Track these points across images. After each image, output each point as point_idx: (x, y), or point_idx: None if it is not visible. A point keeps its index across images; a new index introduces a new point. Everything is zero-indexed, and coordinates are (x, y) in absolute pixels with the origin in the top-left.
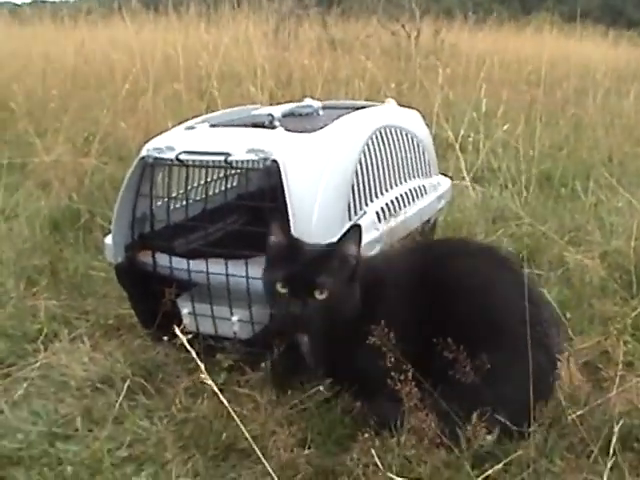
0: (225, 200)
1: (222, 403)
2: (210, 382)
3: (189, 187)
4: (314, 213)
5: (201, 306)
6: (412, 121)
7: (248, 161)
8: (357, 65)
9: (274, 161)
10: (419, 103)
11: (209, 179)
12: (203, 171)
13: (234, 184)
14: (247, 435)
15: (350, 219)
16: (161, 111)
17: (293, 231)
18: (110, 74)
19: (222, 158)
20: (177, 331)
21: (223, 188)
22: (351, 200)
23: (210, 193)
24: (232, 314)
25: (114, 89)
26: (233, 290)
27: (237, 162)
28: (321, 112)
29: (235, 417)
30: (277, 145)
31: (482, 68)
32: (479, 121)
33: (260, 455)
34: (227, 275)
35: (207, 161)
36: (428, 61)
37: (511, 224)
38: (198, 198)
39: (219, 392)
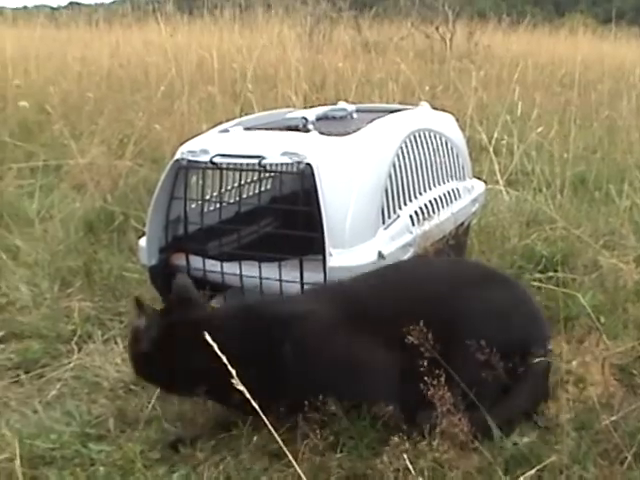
0: (259, 203)
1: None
2: (242, 387)
3: (223, 190)
4: (348, 216)
5: None
6: (446, 124)
7: (282, 164)
8: (391, 68)
9: (308, 164)
10: (452, 106)
11: (243, 182)
12: (237, 174)
13: (268, 187)
14: (278, 438)
15: (384, 222)
16: (195, 114)
17: (326, 234)
18: (145, 77)
19: (256, 161)
20: (207, 337)
21: (257, 191)
22: (385, 203)
23: (244, 196)
24: None
25: (149, 92)
26: (266, 293)
27: (271, 165)
28: (355, 115)
29: (265, 420)
30: (311, 148)
31: (516, 70)
32: (513, 124)
33: (291, 459)
34: (260, 278)
35: (241, 164)
36: (462, 64)
37: (545, 228)
38: (232, 201)
39: (249, 396)
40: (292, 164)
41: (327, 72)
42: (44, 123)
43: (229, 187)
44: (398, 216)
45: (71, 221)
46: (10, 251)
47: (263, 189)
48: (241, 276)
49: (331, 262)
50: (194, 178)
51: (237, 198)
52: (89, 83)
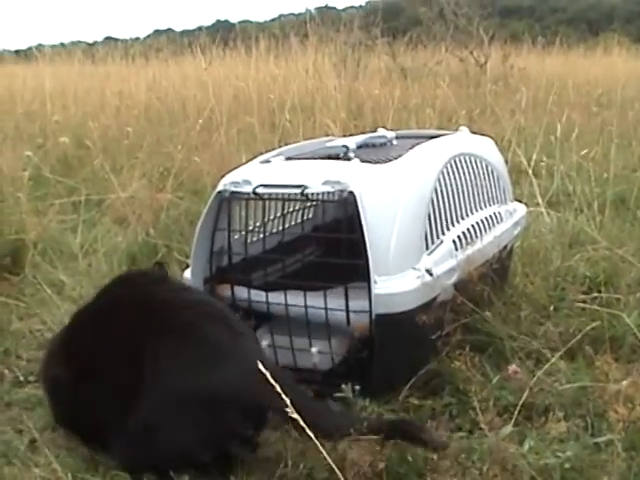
0: (302, 232)
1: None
2: (295, 415)
3: (266, 220)
4: (391, 243)
5: (280, 338)
6: (486, 148)
7: (324, 193)
8: (427, 93)
9: (350, 192)
10: (490, 129)
11: (285, 211)
12: (280, 204)
13: (310, 216)
14: (330, 461)
15: (427, 248)
16: (234, 145)
17: (371, 261)
18: (182, 109)
19: (299, 191)
20: (260, 365)
21: (299, 220)
22: (428, 229)
23: (287, 225)
24: (311, 345)
25: (187, 124)
26: (312, 322)
27: (314, 194)
28: (395, 142)
29: (319, 446)
30: (353, 176)
31: (552, 92)
32: (552, 145)
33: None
34: (306, 307)
35: (284, 194)
36: (498, 87)
37: (587, 248)
38: (275, 231)
39: (301, 420)
40: (334, 192)
41: (364, 99)
42: (84, 158)
43: (272, 217)
44: (441, 241)
45: (114, 255)
46: (55, 285)
47: (306, 218)
48: (286, 305)
49: (376, 289)
50: (237, 209)
51: (280, 228)
52: (128, 117)
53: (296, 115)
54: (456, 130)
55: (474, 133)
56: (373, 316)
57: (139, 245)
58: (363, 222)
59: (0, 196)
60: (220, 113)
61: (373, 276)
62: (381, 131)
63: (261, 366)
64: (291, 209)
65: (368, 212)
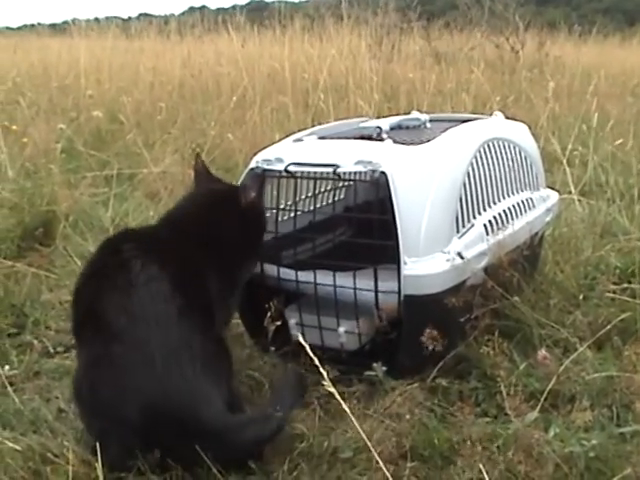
0: (333, 212)
1: (327, 413)
2: (333, 390)
3: (297, 199)
4: (422, 225)
5: (308, 317)
6: (520, 134)
7: (356, 173)
8: (462, 78)
9: (383, 173)
10: (524, 116)
11: (317, 191)
12: (311, 183)
13: (342, 196)
14: (363, 435)
15: (458, 231)
16: (268, 123)
17: (401, 243)
18: (217, 87)
19: (331, 170)
20: (301, 340)
21: (331, 200)
22: (459, 212)
23: (318, 205)
24: (339, 325)
25: (221, 102)
26: (340, 301)
27: (345, 174)
28: (429, 125)
29: (355, 422)
30: (386, 157)
31: (588, 81)
32: (586, 134)
33: (379, 460)
34: (335, 286)
35: (316, 172)
36: (532, 74)
37: (619, 239)
38: (306, 210)
39: (336, 394)
40: (366, 173)
41: (398, 82)
42: (117, 132)
43: (303, 196)
44: (472, 225)
45: None
46: (85, 258)
47: (337, 198)
48: (315, 284)
49: (406, 270)
50: (269, 187)
51: (311, 207)
52: (161, 93)
53: (330, 96)
54: (490, 115)
55: (508, 119)
56: (402, 297)
57: None
58: (394, 202)
59: (33, 168)
60: (254, 91)
61: (403, 257)
62: (415, 113)
63: None
64: (323, 189)
65: (400, 193)
